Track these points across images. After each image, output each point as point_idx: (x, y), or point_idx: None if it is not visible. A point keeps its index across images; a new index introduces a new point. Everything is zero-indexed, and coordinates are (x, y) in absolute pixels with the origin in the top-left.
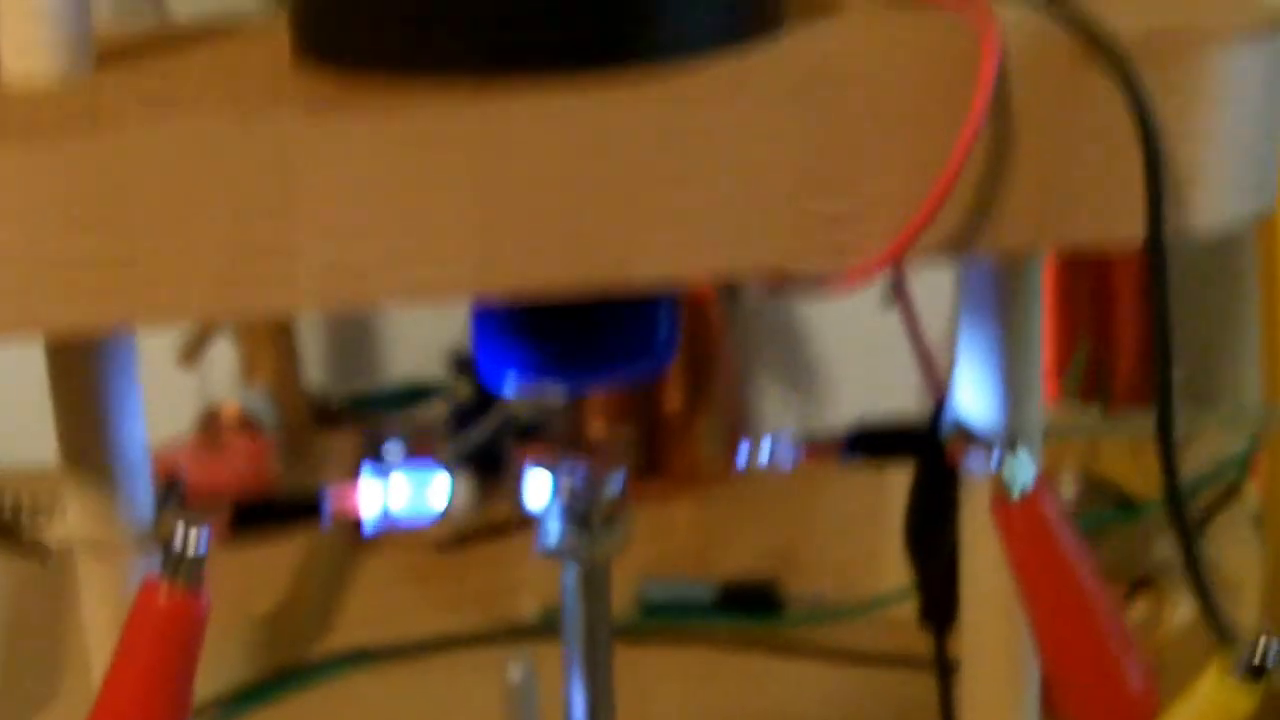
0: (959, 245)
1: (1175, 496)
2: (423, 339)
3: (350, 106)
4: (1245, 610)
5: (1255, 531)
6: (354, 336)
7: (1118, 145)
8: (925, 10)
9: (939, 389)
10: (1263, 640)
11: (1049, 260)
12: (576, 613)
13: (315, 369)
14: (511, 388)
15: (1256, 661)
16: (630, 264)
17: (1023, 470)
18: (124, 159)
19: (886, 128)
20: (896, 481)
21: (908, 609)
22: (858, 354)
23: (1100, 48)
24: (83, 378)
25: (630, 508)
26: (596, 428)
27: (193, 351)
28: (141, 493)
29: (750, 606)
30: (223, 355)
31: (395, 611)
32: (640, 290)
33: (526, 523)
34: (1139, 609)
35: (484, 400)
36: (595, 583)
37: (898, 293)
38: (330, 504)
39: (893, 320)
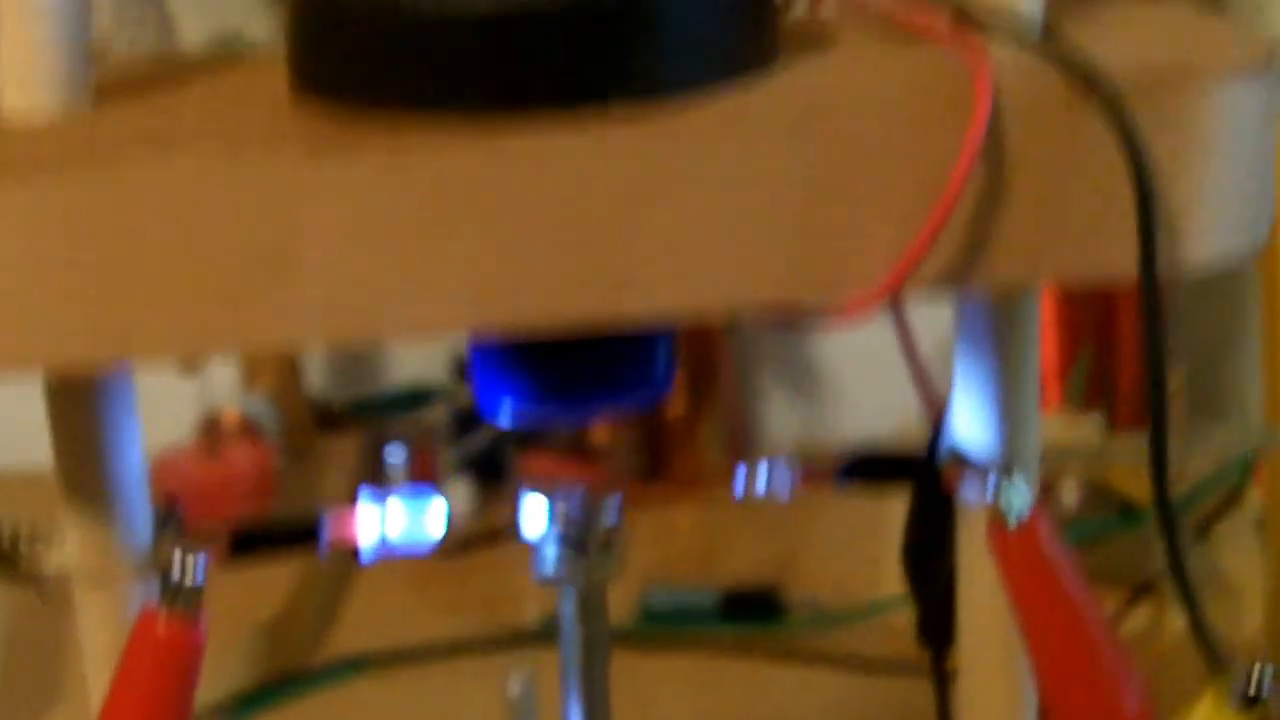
0: (954, 279)
1: (1173, 540)
2: (424, 343)
3: (348, 145)
4: (1247, 617)
5: (1257, 537)
6: None
7: (1111, 181)
8: (920, 44)
9: (936, 413)
10: (1257, 669)
11: None
12: (574, 637)
13: (316, 373)
14: (508, 417)
15: (1251, 692)
16: (628, 300)
17: (1019, 498)
18: (123, 198)
19: (882, 163)
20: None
21: (908, 615)
22: (860, 359)
23: (1092, 85)
24: (81, 409)
25: (625, 535)
26: (599, 433)
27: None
28: (140, 521)
29: (752, 613)
30: (224, 361)
31: (396, 617)
32: (638, 326)
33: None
34: (1141, 615)
35: None
36: (592, 607)
37: (896, 321)
38: (328, 530)
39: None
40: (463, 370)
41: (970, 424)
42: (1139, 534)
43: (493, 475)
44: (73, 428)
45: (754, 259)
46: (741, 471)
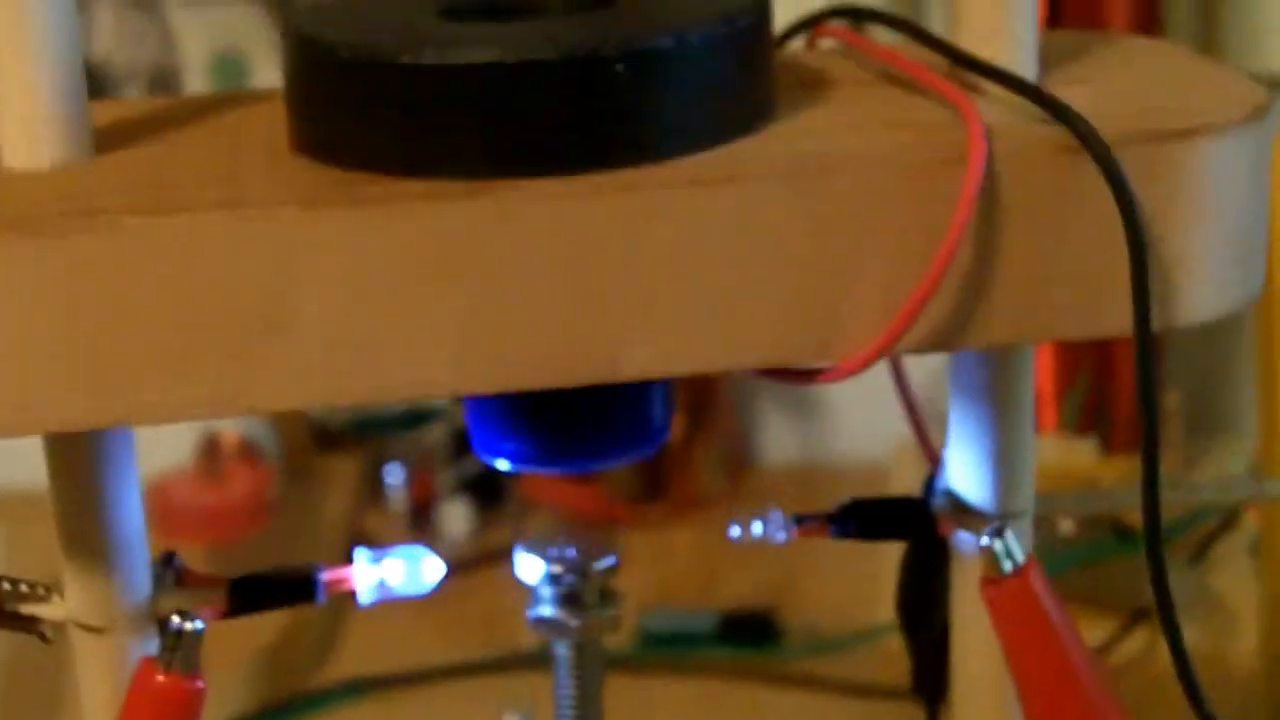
0: (948, 338)
1: (1160, 580)
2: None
3: (346, 203)
4: (1243, 640)
5: (1252, 560)
6: None
7: (1104, 238)
8: (914, 93)
9: (933, 458)
10: None
11: None
12: (569, 687)
13: None
14: (506, 469)
15: None
16: (621, 359)
17: (1013, 548)
18: (122, 255)
19: (876, 221)
20: None
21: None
22: (857, 381)
23: (1084, 141)
24: (80, 462)
25: (620, 597)
26: None
27: None
28: (139, 572)
29: (749, 636)
30: None
31: (395, 639)
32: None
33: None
34: (1136, 640)
35: None
36: (588, 658)
37: (893, 370)
38: (325, 580)
39: None
40: None
41: (965, 473)
42: (1135, 558)
43: (491, 496)
44: (72, 480)
45: (748, 318)
46: (735, 526)
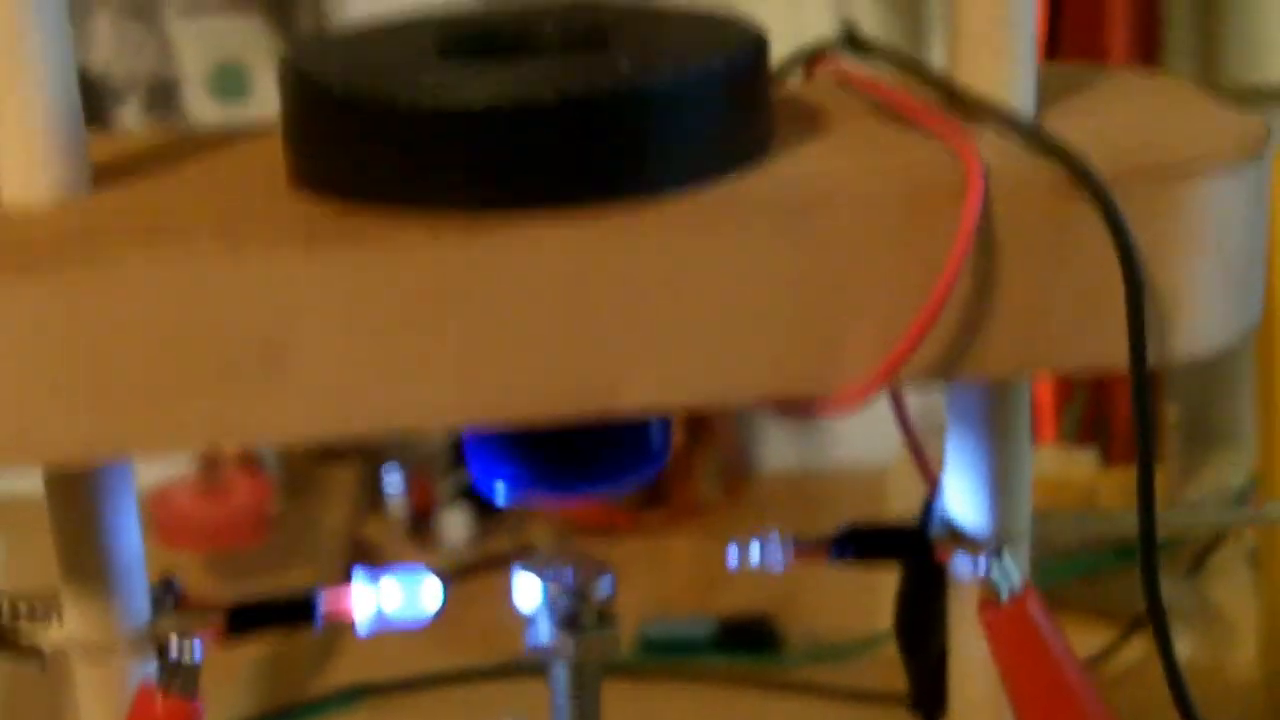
0: (945, 371)
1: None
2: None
3: (344, 239)
4: (1241, 650)
5: (1251, 570)
6: None
7: (1101, 273)
8: (910, 129)
9: (930, 481)
10: None
11: None
12: (566, 707)
13: None
14: (503, 497)
15: None
16: (619, 393)
17: (1010, 574)
18: (120, 293)
19: (873, 256)
20: (893, 517)
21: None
22: None
23: (1080, 177)
24: (79, 491)
25: (618, 620)
26: None
27: None
28: (138, 598)
29: (749, 644)
30: None
31: (394, 646)
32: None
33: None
34: (1135, 649)
35: None
36: (586, 681)
37: (892, 399)
38: (323, 606)
39: None
40: None
41: (962, 499)
42: (1134, 567)
43: (491, 504)
44: (71, 508)
45: (746, 352)
46: (734, 550)
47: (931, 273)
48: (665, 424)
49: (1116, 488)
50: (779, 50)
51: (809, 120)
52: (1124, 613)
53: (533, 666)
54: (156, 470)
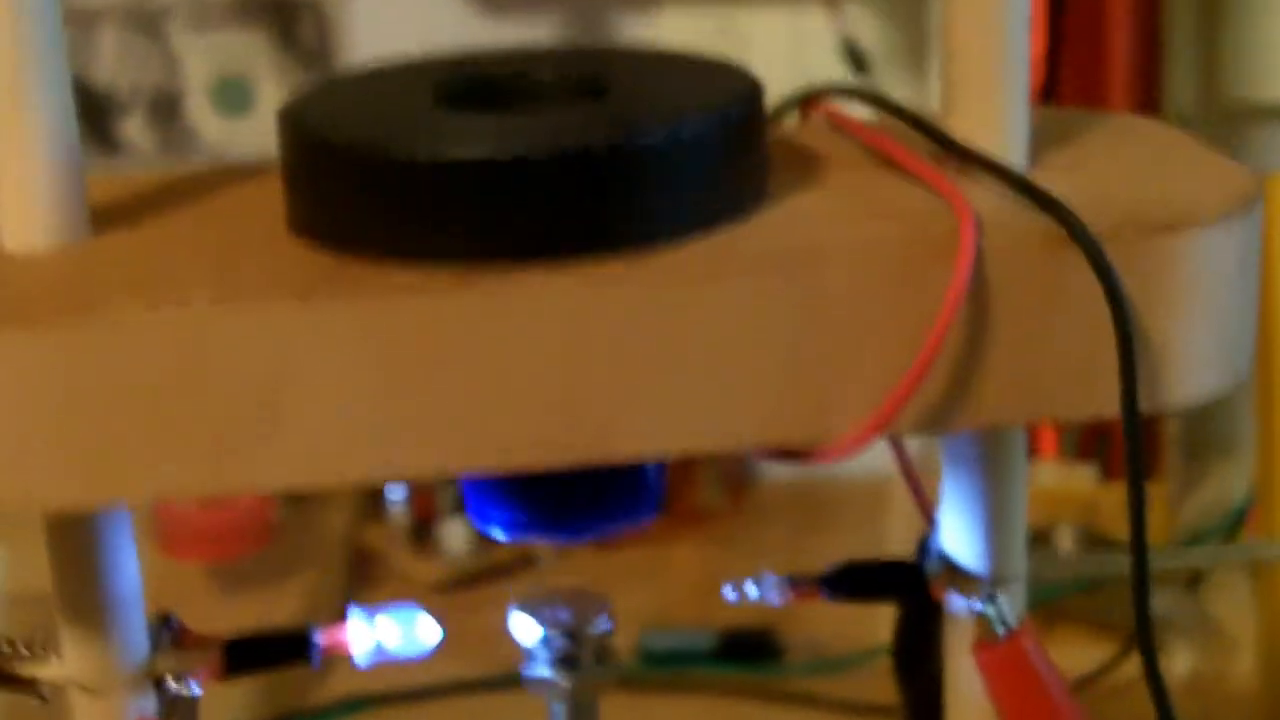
0: (938, 421)
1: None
2: None
3: (340, 291)
4: (1241, 662)
5: (1251, 583)
6: None
7: (1093, 325)
8: (904, 181)
9: (927, 514)
10: None
11: None
12: None
13: None
14: (499, 538)
15: None
16: (614, 442)
17: (1005, 613)
18: (118, 346)
19: (866, 307)
20: (895, 526)
21: None
22: None
23: (1073, 235)
24: (77, 530)
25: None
26: None
27: None
28: (136, 634)
29: (750, 655)
30: None
31: None
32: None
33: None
34: (1134, 663)
35: None
36: (583, 713)
37: (892, 443)
38: (320, 642)
39: None
40: None
41: (958, 537)
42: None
43: None
44: (69, 546)
45: (739, 401)
46: (730, 588)
47: (924, 324)
48: (661, 469)
49: (1116, 503)
50: (779, 64)
51: (803, 167)
52: (1125, 625)
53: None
54: None
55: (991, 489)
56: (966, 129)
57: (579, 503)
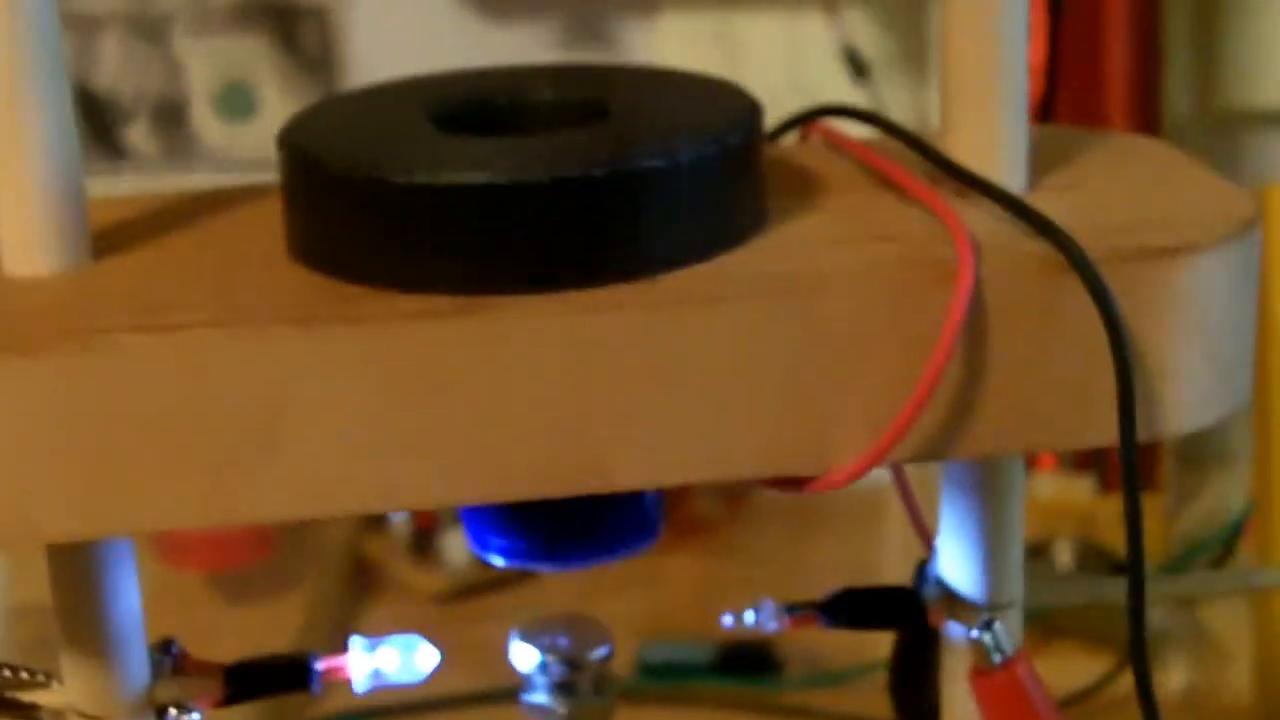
0: (937, 449)
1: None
2: None
3: (339, 319)
4: (1236, 677)
5: (1247, 596)
6: None
7: (1090, 352)
8: (902, 205)
9: (926, 539)
10: None
11: None
12: None
13: None
14: (498, 565)
15: None
16: (612, 470)
17: (1002, 641)
18: (118, 373)
19: (864, 334)
20: (891, 535)
21: None
22: None
23: (1071, 260)
24: (80, 560)
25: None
26: None
27: None
28: (136, 662)
29: (748, 668)
30: None
31: None
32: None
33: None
34: (1131, 677)
35: None
36: None
37: (894, 470)
38: (320, 669)
39: None
40: None
41: (956, 565)
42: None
43: None
44: (71, 575)
45: (739, 431)
46: (729, 617)
47: (923, 349)
48: (659, 496)
49: (1114, 514)
50: (777, 69)
51: (802, 188)
52: (1121, 640)
53: None
54: None
55: (989, 516)
56: (965, 149)
57: (577, 531)
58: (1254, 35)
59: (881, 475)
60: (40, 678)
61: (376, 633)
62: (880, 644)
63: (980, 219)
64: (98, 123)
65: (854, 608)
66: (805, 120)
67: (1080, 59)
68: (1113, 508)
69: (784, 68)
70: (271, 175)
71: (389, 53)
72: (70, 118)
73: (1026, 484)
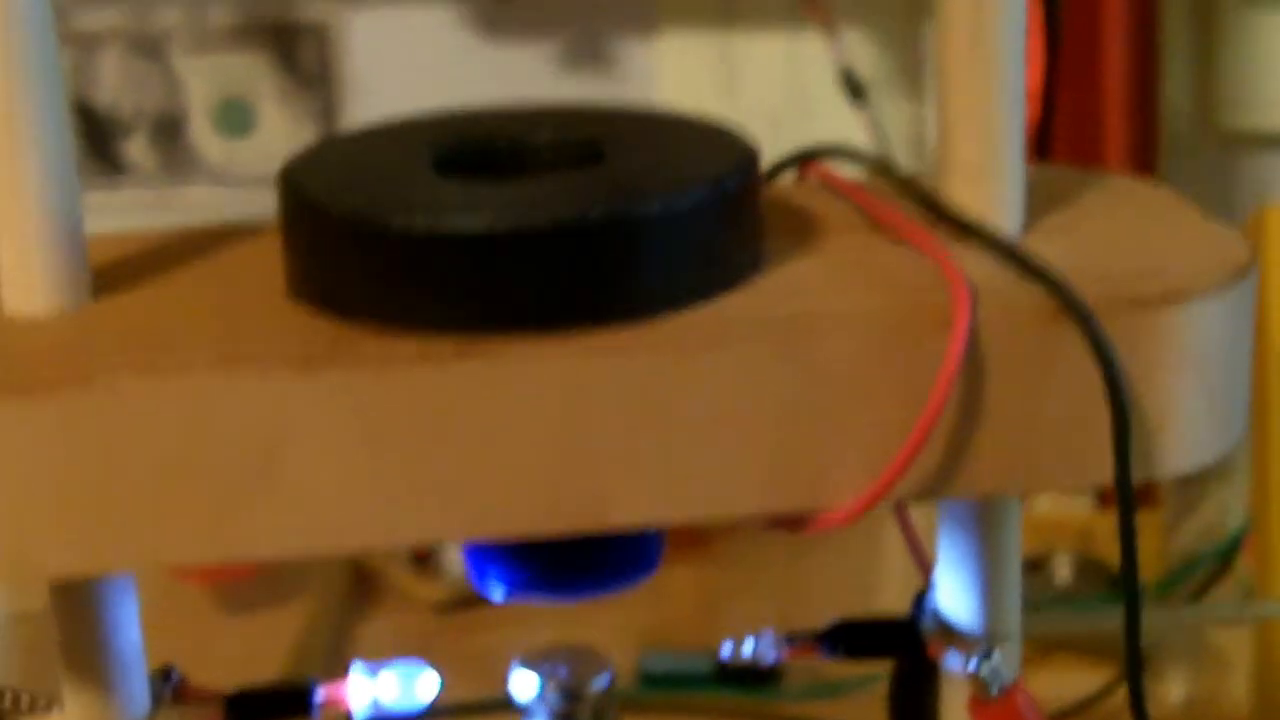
0: (935, 489)
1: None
2: None
3: (338, 361)
4: (1235, 688)
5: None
6: None
7: (1087, 395)
8: (898, 247)
9: (925, 569)
10: None
11: None
12: None
13: None
14: (499, 597)
15: None
16: (610, 510)
17: (1000, 672)
18: (118, 415)
19: (861, 376)
20: (891, 545)
21: None
22: None
23: (1066, 303)
24: (81, 593)
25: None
26: None
27: None
28: (138, 690)
29: (749, 679)
30: None
31: None
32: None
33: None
34: None
35: None
36: None
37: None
38: (320, 698)
39: None
40: None
41: (953, 596)
42: None
43: None
44: (73, 604)
45: (737, 471)
46: (728, 645)
47: (920, 394)
48: (659, 531)
49: (1112, 529)
50: (776, 88)
51: (799, 230)
52: (1119, 655)
53: None
54: None
55: (986, 549)
56: (961, 191)
57: (577, 564)
58: (1254, 57)
59: None
60: (41, 704)
61: (377, 642)
62: None
63: (977, 261)
64: (97, 138)
65: (853, 638)
66: (802, 160)
67: (1078, 81)
68: (1110, 523)
69: (783, 86)
70: (269, 191)
71: (388, 70)
72: (71, 159)
73: (1025, 499)
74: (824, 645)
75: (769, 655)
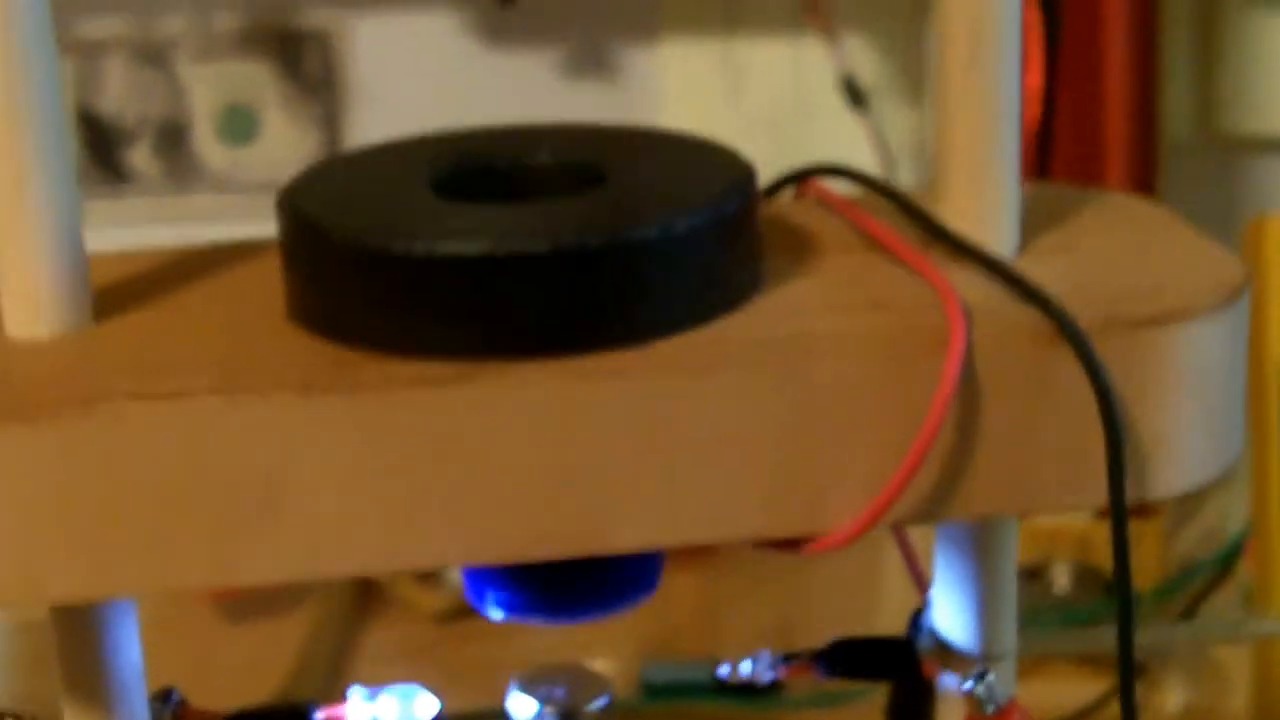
0: (930, 512)
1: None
2: None
3: (339, 386)
4: (1234, 698)
5: (1246, 614)
6: None
7: (1082, 417)
8: (894, 268)
9: (924, 590)
10: None
11: None
12: None
13: None
14: (496, 618)
15: None
16: (609, 534)
17: (995, 692)
18: (119, 439)
19: (858, 398)
20: (890, 553)
21: None
22: None
23: (1061, 326)
24: (81, 615)
25: None
26: None
27: None
28: (138, 713)
29: (750, 688)
30: None
31: None
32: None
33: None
34: None
35: None
36: None
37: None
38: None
39: None
40: None
41: (949, 616)
42: None
43: None
44: (73, 626)
45: (735, 494)
46: (725, 667)
47: (916, 415)
48: (659, 553)
49: (1108, 539)
50: (778, 94)
51: (797, 249)
52: (1115, 662)
53: None
54: None
55: (982, 569)
56: (958, 211)
57: (576, 587)
58: (1254, 62)
59: None
60: None
61: (379, 652)
62: None
63: (973, 282)
64: (101, 146)
65: (849, 658)
66: (800, 179)
67: (1078, 85)
68: (1108, 531)
69: (785, 92)
70: (272, 198)
71: (392, 77)
72: (73, 182)
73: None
74: (820, 665)
75: (766, 675)
